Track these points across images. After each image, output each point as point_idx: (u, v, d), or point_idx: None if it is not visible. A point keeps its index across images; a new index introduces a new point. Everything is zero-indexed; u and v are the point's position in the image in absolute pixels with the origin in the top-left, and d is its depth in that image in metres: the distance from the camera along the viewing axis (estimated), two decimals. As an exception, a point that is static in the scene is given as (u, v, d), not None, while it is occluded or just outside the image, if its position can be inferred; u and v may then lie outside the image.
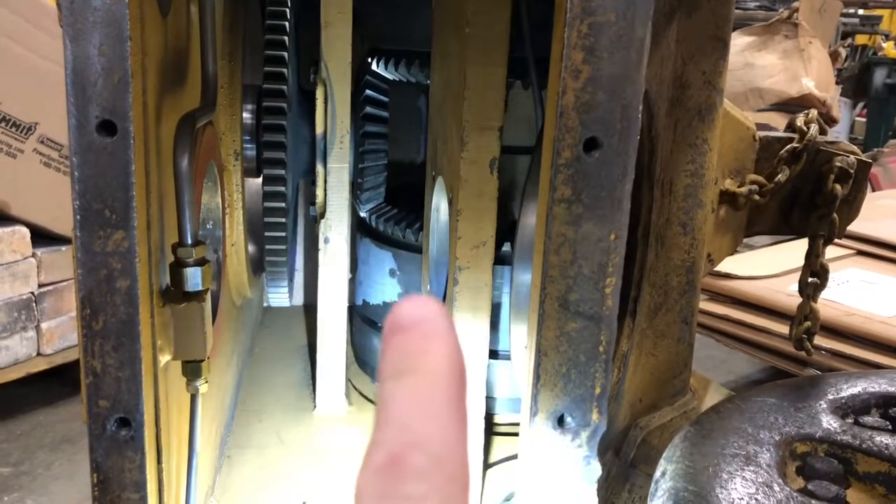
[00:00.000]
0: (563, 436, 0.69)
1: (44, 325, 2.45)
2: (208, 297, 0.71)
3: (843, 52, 6.82)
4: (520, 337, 0.90)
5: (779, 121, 4.31)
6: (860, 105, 7.67)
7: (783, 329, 2.99)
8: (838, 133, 6.68)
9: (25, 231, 2.37)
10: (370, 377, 1.35)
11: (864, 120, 7.54)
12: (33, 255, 2.41)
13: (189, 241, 0.71)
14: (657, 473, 0.95)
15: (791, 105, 5.02)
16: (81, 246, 0.61)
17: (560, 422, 0.69)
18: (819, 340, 2.63)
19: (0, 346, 2.37)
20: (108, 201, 0.60)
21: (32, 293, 2.42)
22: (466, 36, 0.82)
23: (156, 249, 0.67)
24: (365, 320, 1.32)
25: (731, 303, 3.11)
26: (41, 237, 2.42)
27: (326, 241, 1.21)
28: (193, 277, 0.69)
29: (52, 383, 2.52)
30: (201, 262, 0.70)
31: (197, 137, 0.76)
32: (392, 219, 1.24)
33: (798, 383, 1.18)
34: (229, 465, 1.18)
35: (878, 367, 2.74)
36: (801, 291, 1.63)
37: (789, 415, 1.03)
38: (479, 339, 0.90)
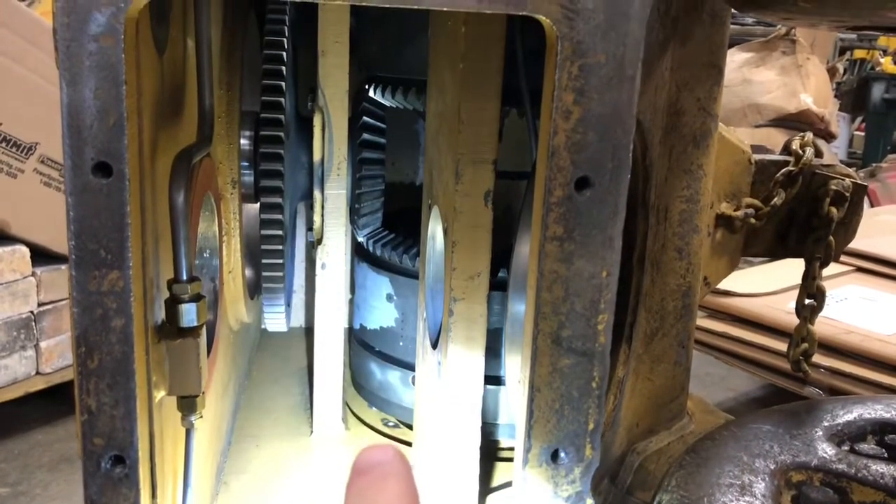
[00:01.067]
0: (556, 471, 0.70)
1: (43, 345, 2.46)
2: (203, 332, 0.72)
3: (842, 68, 6.85)
4: (514, 367, 0.90)
5: (777, 137, 4.31)
6: (858, 119, 7.70)
7: (782, 347, 2.99)
8: (837, 148, 6.71)
9: (25, 250, 2.38)
10: (367, 401, 1.35)
11: (862, 134, 7.57)
12: (33, 275, 2.42)
13: (184, 278, 0.71)
14: (653, 503, 0.95)
15: (789, 121, 5.04)
16: (77, 285, 0.61)
17: (553, 457, 0.69)
18: (818, 358, 2.63)
19: (0, 365, 2.38)
20: (104, 242, 0.61)
21: (32, 312, 2.43)
22: (461, 70, 0.83)
23: (151, 286, 0.68)
24: (362, 344, 1.33)
25: (731, 320, 3.11)
26: (41, 256, 2.42)
27: (323, 266, 1.22)
28: (188, 314, 0.70)
29: (51, 402, 2.52)
30: (196, 298, 0.71)
31: (193, 173, 0.77)
32: (389, 244, 1.25)
33: (794, 409, 1.18)
34: (226, 491, 1.18)
35: (877, 385, 2.74)
36: (798, 313, 1.63)
37: (785, 442, 1.03)
38: (474, 371, 0.90)
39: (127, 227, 0.60)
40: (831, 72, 5.77)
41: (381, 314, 1.26)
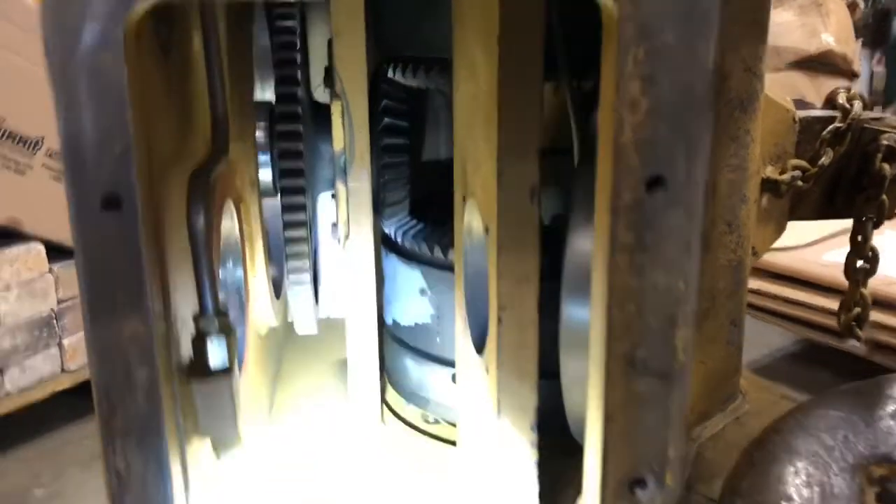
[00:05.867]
0: (640, 500, 0.63)
1: (66, 342, 2.42)
2: (236, 369, 0.65)
3: (861, 2, 6.63)
4: (572, 372, 0.83)
5: (798, 80, 4.14)
6: (878, 54, 7.48)
7: (818, 301, 2.91)
8: (859, 86, 6.51)
9: (40, 248, 2.33)
10: (404, 399, 1.29)
11: (882, 69, 7.35)
12: (50, 271, 2.37)
13: (210, 310, 0.64)
14: (725, 507, 0.89)
15: (811, 62, 4.87)
16: (93, 336, 0.54)
17: (632, 489, 0.62)
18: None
19: (25, 365, 2.34)
20: (120, 283, 0.54)
21: (52, 310, 2.38)
22: (497, 54, 0.74)
23: (175, 324, 0.61)
24: (396, 340, 1.26)
25: (764, 275, 3.03)
26: (56, 251, 2.37)
27: (352, 263, 1.15)
28: (218, 351, 0.63)
29: (78, 398, 2.49)
30: (226, 333, 0.64)
31: (212, 191, 0.70)
32: (419, 235, 1.17)
33: (862, 389, 1.10)
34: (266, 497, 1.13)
35: (921, 337, 2.66)
36: (847, 276, 1.56)
37: (859, 431, 0.96)
38: (527, 380, 0.83)
39: (144, 266, 0.53)
40: (851, 8, 5.57)
41: (415, 310, 1.19)
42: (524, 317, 0.80)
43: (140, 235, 0.53)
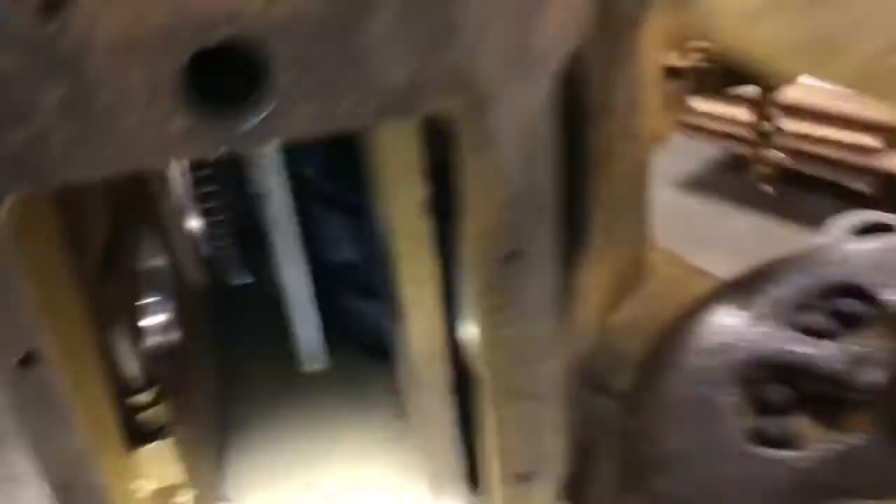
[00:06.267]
0: (527, 489, 0.76)
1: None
2: (172, 429, 0.74)
3: None
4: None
5: None
6: None
7: (739, 114, 2.97)
8: None
9: None
10: (345, 329, 1.38)
11: None
12: None
13: (135, 386, 0.72)
14: (623, 429, 1.01)
15: None
16: (39, 460, 0.62)
17: (521, 480, 0.75)
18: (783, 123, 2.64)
19: None
20: (53, 421, 0.61)
21: None
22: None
23: (114, 409, 0.69)
24: (329, 278, 1.33)
25: (691, 92, 3.06)
26: None
27: (271, 218, 1.20)
28: (152, 422, 0.71)
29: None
30: (155, 403, 0.72)
31: (125, 265, 0.74)
32: (339, 177, 1.21)
33: (747, 283, 1.17)
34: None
35: (840, 144, 2.76)
36: (757, 134, 1.61)
37: (741, 334, 1.05)
38: (436, 362, 0.93)
39: (73, 407, 0.60)
40: None
41: (342, 251, 1.26)
42: (428, 313, 0.89)
43: (63, 378, 0.59)
